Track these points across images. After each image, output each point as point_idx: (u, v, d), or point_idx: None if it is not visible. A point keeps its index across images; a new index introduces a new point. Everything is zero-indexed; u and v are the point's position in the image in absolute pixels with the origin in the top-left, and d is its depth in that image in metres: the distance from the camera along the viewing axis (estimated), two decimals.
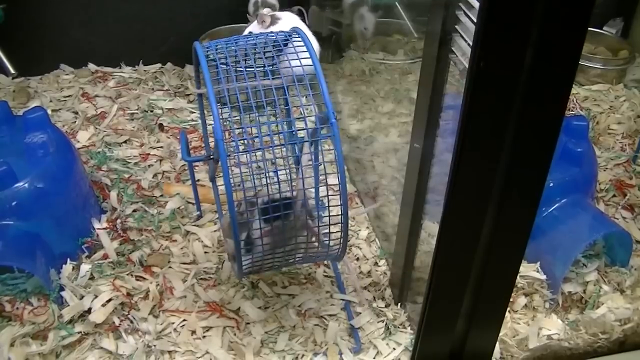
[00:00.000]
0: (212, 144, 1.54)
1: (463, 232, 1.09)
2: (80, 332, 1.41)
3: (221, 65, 1.23)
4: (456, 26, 1.08)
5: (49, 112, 1.98)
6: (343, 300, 1.53)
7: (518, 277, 1.52)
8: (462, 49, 1.07)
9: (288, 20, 2.01)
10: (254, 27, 2.03)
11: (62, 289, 1.48)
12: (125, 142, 2.03)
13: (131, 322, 1.44)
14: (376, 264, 1.64)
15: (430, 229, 1.36)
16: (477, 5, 0.95)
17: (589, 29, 2.60)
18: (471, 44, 0.96)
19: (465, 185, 1.02)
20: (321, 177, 1.40)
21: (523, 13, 0.85)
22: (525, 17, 0.85)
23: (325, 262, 1.61)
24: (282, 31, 1.35)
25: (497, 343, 1.35)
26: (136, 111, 2.18)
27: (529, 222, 1.09)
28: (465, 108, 0.94)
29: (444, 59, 1.15)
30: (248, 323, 1.46)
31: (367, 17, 2.15)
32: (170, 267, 1.59)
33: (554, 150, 0.99)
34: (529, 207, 1.07)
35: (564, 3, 0.84)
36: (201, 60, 1.21)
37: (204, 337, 1.43)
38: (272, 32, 1.34)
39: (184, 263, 1.61)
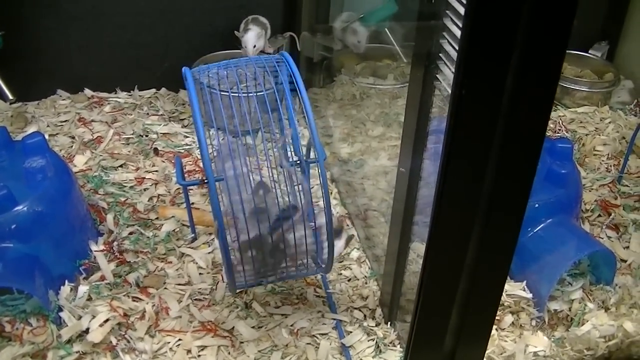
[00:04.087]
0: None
1: (449, 252, 1.12)
2: (79, 351, 1.44)
3: (212, 91, 1.26)
4: (440, 54, 1.12)
5: (46, 136, 2.01)
6: (334, 319, 1.56)
7: (505, 295, 1.56)
8: (447, 76, 1.11)
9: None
10: (250, 38, 2.11)
11: (60, 309, 1.51)
12: (121, 166, 2.06)
13: (128, 341, 1.47)
14: (366, 284, 1.68)
15: (419, 249, 1.39)
16: (459, 34, 0.99)
17: (575, 52, 2.63)
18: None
19: (450, 206, 1.05)
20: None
21: (503, 43, 0.89)
22: (505, 47, 0.89)
23: (317, 282, 1.65)
24: (270, 56, 1.39)
25: None
26: (131, 136, 2.21)
27: (513, 241, 1.12)
28: (449, 133, 0.97)
29: (429, 84, 1.20)
30: (242, 342, 1.49)
31: (359, 31, 2.19)
32: (165, 288, 1.62)
33: (535, 172, 1.03)
34: (513, 227, 1.10)
35: (543, 32, 0.88)
36: (190, 87, 1.24)
37: (199, 356, 1.46)
38: (259, 57, 1.38)
39: (179, 284, 1.64)
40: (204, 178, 1.56)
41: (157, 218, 1.84)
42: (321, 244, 1.31)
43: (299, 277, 1.48)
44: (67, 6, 2.26)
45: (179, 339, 1.49)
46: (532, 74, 0.92)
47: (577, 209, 1.77)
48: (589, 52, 2.65)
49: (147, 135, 2.22)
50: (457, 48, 1.03)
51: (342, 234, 1.42)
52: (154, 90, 2.48)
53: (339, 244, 1.36)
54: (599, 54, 2.65)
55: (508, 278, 1.44)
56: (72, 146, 2.13)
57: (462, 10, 1.01)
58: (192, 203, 1.83)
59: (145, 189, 1.96)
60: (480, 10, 0.86)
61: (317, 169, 1.26)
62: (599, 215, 1.94)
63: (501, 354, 1.47)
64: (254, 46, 2.15)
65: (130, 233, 1.78)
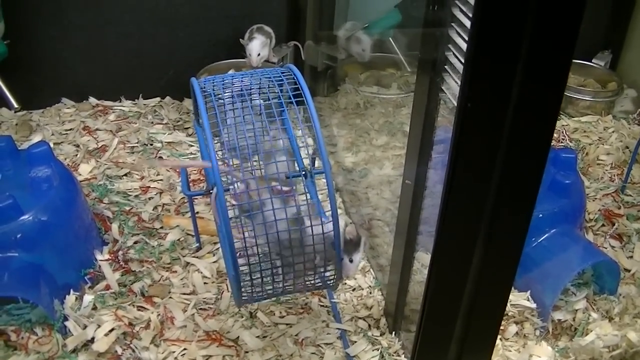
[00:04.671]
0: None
1: (454, 261, 1.12)
2: None
3: (219, 101, 1.26)
4: (445, 66, 1.13)
5: (51, 145, 2.02)
6: (339, 329, 1.57)
7: (509, 305, 1.56)
8: (452, 88, 1.11)
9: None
10: (255, 46, 2.12)
11: (65, 318, 1.52)
12: (125, 175, 2.07)
13: (133, 351, 1.47)
14: (371, 293, 1.68)
15: (423, 259, 1.40)
16: (464, 46, 0.99)
17: (578, 61, 2.62)
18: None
19: (456, 216, 1.06)
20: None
21: (509, 54, 0.89)
22: (510, 59, 0.89)
23: (322, 292, 1.65)
24: (276, 68, 1.39)
25: None
26: (136, 144, 2.22)
27: (518, 251, 1.12)
28: (455, 144, 0.98)
29: (434, 96, 1.20)
30: (247, 352, 1.49)
31: (363, 39, 2.19)
32: (170, 297, 1.63)
33: (540, 182, 1.03)
34: (518, 236, 1.10)
35: (548, 44, 0.89)
36: (198, 97, 1.24)
37: None
38: (265, 69, 1.38)
39: (184, 293, 1.64)
40: (209, 188, 1.56)
41: (161, 227, 1.85)
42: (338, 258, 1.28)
43: (306, 291, 1.48)
44: (72, 15, 2.27)
45: (184, 349, 1.50)
46: (537, 85, 0.92)
47: (580, 218, 1.77)
48: (592, 61, 2.65)
49: (151, 144, 2.23)
50: (462, 60, 1.04)
51: (360, 245, 1.35)
52: (158, 98, 2.48)
53: (357, 258, 1.31)
54: (603, 63, 2.65)
55: (512, 288, 1.44)
56: (76, 155, 2.14)
57: (467, 22, 1.01)
58: (197, 212, 1.84)
59: (150, 198, 1.96)
60: (485, 22, 0.87)
61: (322, 179, 1.25)
62: (603, 225, 1.95)
63: None
64: (259, 55, 2.15)
65: (135, 242, 1.79)
